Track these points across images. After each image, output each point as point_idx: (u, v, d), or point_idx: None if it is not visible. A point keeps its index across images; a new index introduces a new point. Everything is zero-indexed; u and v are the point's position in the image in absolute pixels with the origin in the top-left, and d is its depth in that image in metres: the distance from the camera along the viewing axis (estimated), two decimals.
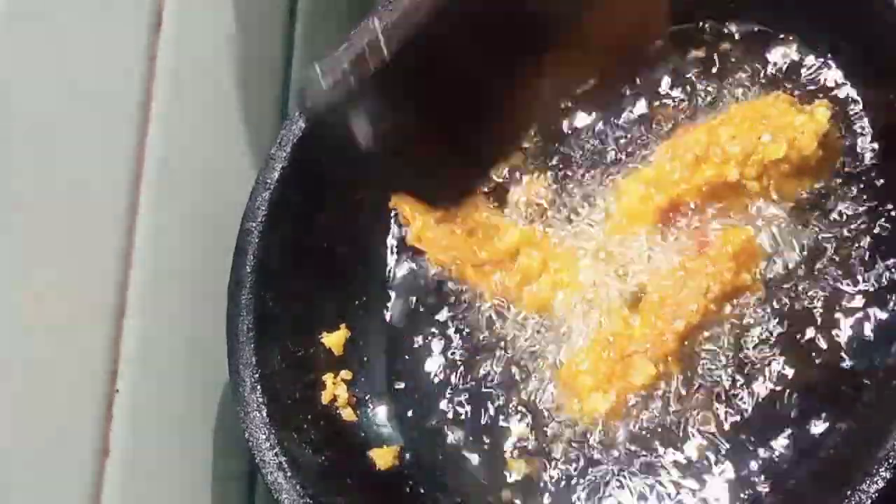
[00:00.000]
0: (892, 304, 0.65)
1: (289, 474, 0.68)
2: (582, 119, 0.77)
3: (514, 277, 0.73)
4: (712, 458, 0.65)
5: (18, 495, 0.60)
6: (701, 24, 0.76)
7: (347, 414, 0.74)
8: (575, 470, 0.68)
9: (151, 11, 0.73)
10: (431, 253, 0.76)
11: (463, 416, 0.73)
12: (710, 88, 0.74)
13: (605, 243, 0.72)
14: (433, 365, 0.75)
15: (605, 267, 0.71)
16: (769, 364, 0.66)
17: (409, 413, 0.75)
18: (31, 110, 0.64)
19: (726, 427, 0.66)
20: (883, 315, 0.65)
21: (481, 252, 0.73)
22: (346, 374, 0.75)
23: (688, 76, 0.75)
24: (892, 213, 0.67)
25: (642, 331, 0.67)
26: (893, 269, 0.65)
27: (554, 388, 0.70)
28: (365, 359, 0.77)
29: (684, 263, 0.68)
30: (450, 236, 0.75)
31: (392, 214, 0.79)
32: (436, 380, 0.75)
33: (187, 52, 0.76)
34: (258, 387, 0.70)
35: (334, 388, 0.75)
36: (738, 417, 0.66)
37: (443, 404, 0.74)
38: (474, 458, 0.72)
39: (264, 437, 0.69)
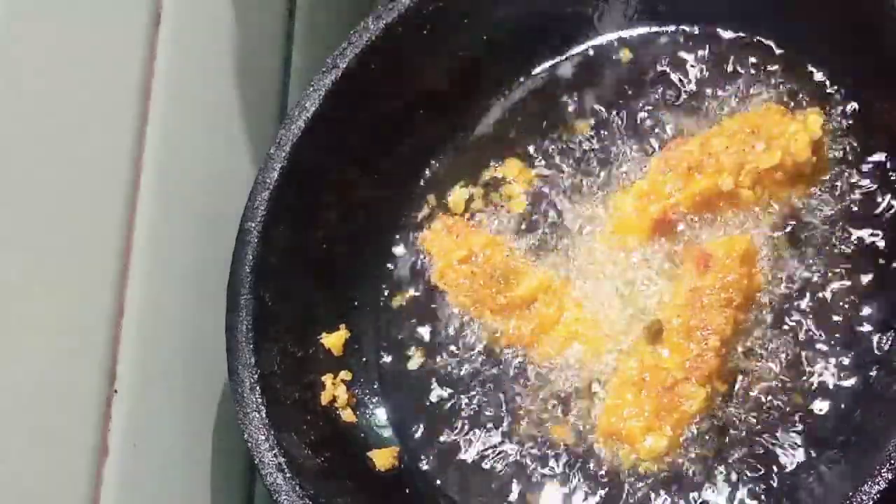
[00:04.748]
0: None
1: (288, 475, 0.67)
2: (576, 131, 0.77)
3: (531, 324, 0.72)
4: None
5: (17, 495, 0.60)
6: (693, 34, 0.76)
7: (347, 415, 0.74)
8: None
9: (150, 10, 0.73)
10: (452, 294, 0.76)
11: (466, 422, 0.73)
12: (702, 100, 0.74)
13: (609, 278, 0.72)
14: (434, 367, 0.75)
15: (620, 309, 0.71)
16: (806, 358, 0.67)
17: (409, 414, 0.75)
18: (29, 109, 0.64)
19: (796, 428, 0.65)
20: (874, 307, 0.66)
21: (500, 297, 0.74)
22: (345, 374, 0.75)
23: (680, 88, 0.75)
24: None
25: (676, 359, 0.67)
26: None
27: (592, 441, 0.69)
28: (364, 360, 0.77)
29: (693, 283, 0.68)
30: (471, 278, 0.75)
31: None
32: (437, 382, 0.75)
33: (186, 52, 0.75)
34: (257, 387, 0.70)
35: (334, 388, 0.74)
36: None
37: (443, 407, 0.74)
38: (477, 461, 0.72)
39: (263, 437, 0.69)
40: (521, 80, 0.80)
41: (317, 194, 0.77)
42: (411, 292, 0.78)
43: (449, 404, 0.74)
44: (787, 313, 0.67)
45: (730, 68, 0.74)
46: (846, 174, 0.69)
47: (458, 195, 0.79)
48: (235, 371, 0.71)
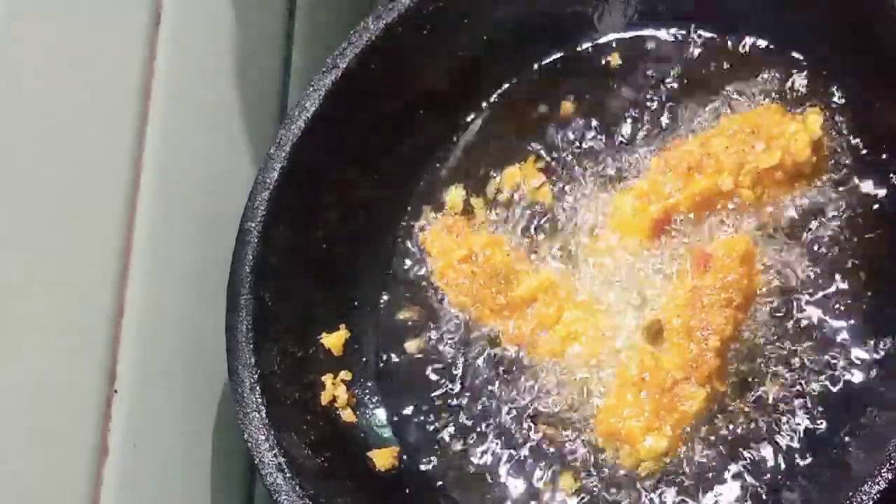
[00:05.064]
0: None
1: (288, 475, 0.67)
2: (576, 132, 0.77)
3: (530, 324, 0.72)
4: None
5: (17, 495, 0.60)
6: (693, 34, 0.76)
7: (347, 415, 0.74)
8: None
9: (150, 10, 0.73)
10: (452, 294, 0.76)
11: (466, 422, 0.73)
12: (702, 99, 0.74)
13: (609, 277, 0.72)
14: (434, 367, 0.75)
15: (620, 309, 0.71)
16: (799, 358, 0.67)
17: (409, 414, 0.75)
18: (29, 109, 0.64)
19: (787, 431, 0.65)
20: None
21: (499, 297, 0.74)
22: (345, 374, 0.75)
23: (680, 87, 0.75)
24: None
25: (675, 359, 0.67)
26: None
27: (592, 441, 0.69)
28: (364, 360, 0.77)
29: (693, 283, 0.68)
30: (471, 278, 0.75)
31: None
32: (437, 382, 0.75)
33: (186, 52, 0.75)
34: (257, 387, 0.70)
35: (334, 388, 0.74)
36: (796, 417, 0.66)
37: (443, 407, 0.74)
38: (477, 461, 0.72)
39: (263, 437, 0.69)
40: (522, 80, 0.80)
41: (317, 194, 0.77)
42: (411, 292, 0.78)
43: (449, 404, 0.74)
44: (787, 313, 0.67)
45: (730, 68, 0.74)
46: (846, 174, 0.69)
47: (454, 195, 0.79)
48: (235, 371, 0.71)
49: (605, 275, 0.72)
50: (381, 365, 0.76)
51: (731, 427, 0.66)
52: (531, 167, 0.78)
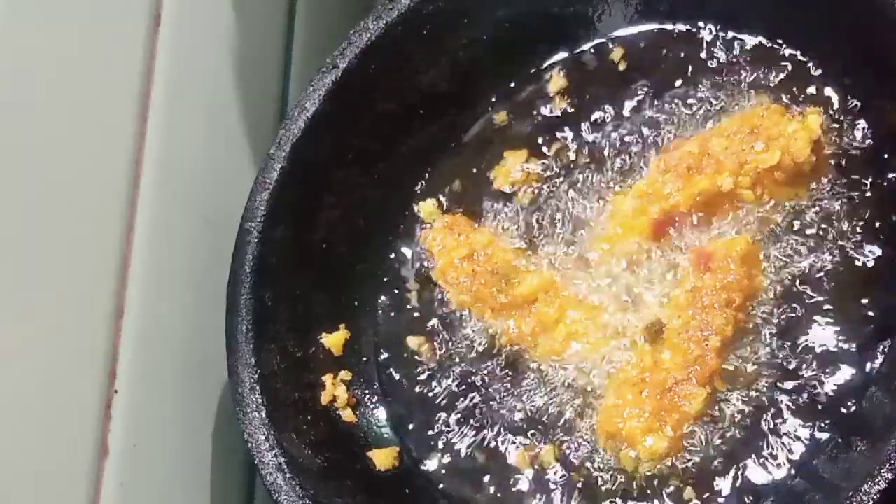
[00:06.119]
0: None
1: (288, 475, 0.68)
2: (577, 131, 0.77)
3: (531, 324, 0.72)
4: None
5: (18, 495, 0.60)
6: (693, 34, 0.76)
7: (347, 415, 0.74)
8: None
9: (150, 11, 0.73)
10: (453, 292, 0.76)
11: (466, 422, 0.73)
12: (702, 99, 0.74)
13: (610, 278, 0.72)
14: (434, 367, 0.75)
15: (620, 309, 0.71)
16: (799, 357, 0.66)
17: (409, 414, 0.75)
18: (29, 110, 0.64)
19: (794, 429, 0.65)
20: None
21: (500, 296, 0.73)
22: (345, 374, 0.75)
23: (680, 88, 0.75)
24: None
25: (676, 360, 0.67)
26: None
27: (592, 442, 0.69)
28: (364, 360, 0.77)
29: (693, 283, 0.68)
30: (472, 276, 0.75)
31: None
32: (437, 382, 0.75)
33: (186, 52, 0.76)
34: (257, 387, 0.70)
35: (334, 388, 0.75)
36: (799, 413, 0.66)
37: (443, 407, 0.74)
38: (477, 461, 0.72)
39: (263, 437, 0.69)
40: (522, 79, 0.80)
41: (317, 194, 0.77)
42: (412, 291, 0.78)
43: (449, 404, 0.74)
44: (788, 313, 0.67)
45: (730, 68, 0.74)
46: (846, 174, 0.69)
47: (426, 205, 0.79)
48: (235, 371, 0.71)
49: (605, 275, 0.72)
50: (381, 365, 0.76)
51: (731, 427, 0.66)
52: (532, 166, 0.78)
